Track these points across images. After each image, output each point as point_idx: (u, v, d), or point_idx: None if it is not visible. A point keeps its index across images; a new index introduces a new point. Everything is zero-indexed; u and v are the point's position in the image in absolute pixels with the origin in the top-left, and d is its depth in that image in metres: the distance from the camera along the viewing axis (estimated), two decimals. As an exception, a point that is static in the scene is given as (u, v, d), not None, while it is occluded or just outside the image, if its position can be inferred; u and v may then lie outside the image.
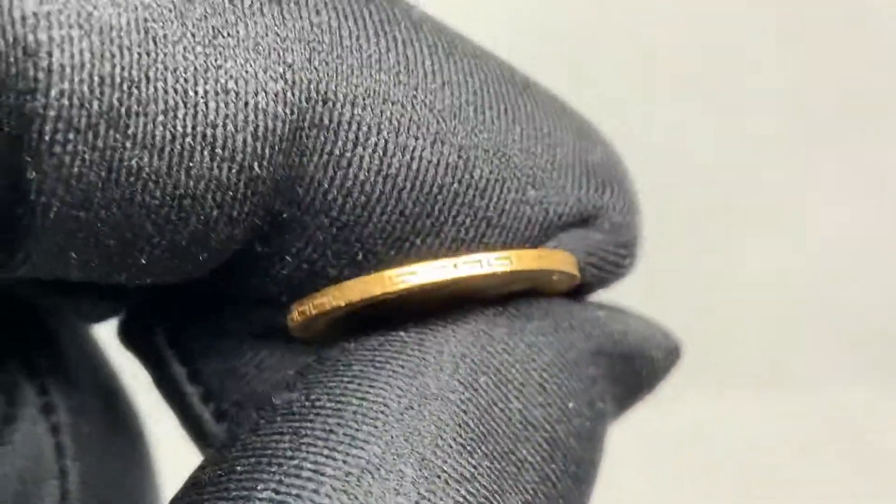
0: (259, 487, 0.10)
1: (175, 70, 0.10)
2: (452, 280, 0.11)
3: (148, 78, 0.10)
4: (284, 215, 0.11)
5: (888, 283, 0.39)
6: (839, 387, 0.38)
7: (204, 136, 0.10)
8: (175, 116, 0.10)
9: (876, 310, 0.39)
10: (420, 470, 0.10)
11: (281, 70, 0.10)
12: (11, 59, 0.09)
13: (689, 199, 0.37)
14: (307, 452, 0.10)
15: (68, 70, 0.10)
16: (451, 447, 0.11)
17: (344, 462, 0.10)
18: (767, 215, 0.38)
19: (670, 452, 0.37)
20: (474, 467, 0.11)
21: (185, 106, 0.10)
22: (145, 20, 0.10)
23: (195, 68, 0.10)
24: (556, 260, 0.12)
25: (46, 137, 0.10)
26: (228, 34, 0.10)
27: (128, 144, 0.10)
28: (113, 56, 0.10)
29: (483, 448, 0.11)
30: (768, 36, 0.37)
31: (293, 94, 0.11)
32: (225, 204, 0.11)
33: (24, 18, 0.09)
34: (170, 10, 0.10)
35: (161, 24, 0.10)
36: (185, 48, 0.10)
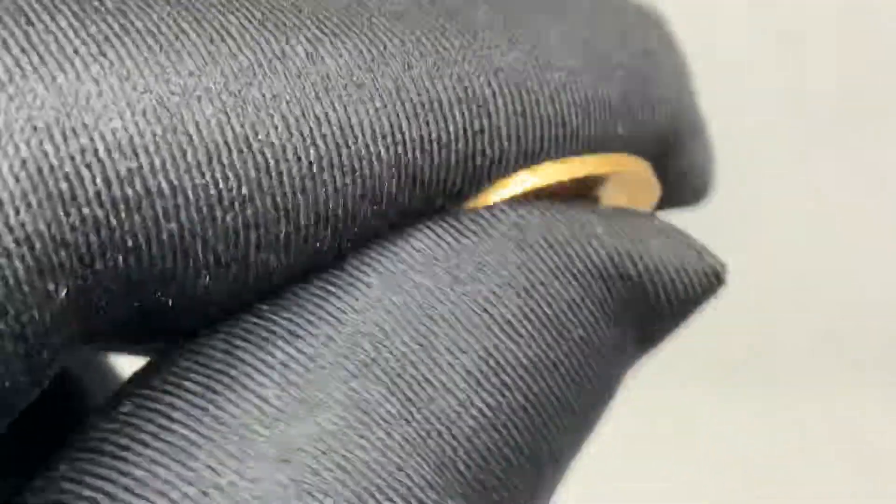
0: None
1: None
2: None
3: None
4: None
5: (888, 283, 0.39)
6: (839, 387, 0.38)
7: None
8: None
9: (876, 310, 0.39)
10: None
11: None
12: None
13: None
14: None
15: None
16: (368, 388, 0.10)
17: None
18: (767, 215, 0.38)
19: (669, 452, 0.37)
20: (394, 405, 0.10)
21: None
22: None
23: None
24: (625, 162, 0.11)
25: None
26: None
27: None
28: None
29: (399, 392, 0.10)
30: (768, 35, 0.37)
31: None
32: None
33: None
34: None
35: None
36: None
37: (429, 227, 0.11)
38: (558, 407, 0.11)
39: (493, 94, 0.11)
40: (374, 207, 0.11)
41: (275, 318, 0.10)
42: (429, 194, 0.11)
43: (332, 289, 0.10)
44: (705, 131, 0.14)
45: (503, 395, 0.11)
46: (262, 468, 0.09)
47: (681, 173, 0.14)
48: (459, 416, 0.10)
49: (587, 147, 0.12)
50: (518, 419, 0.11)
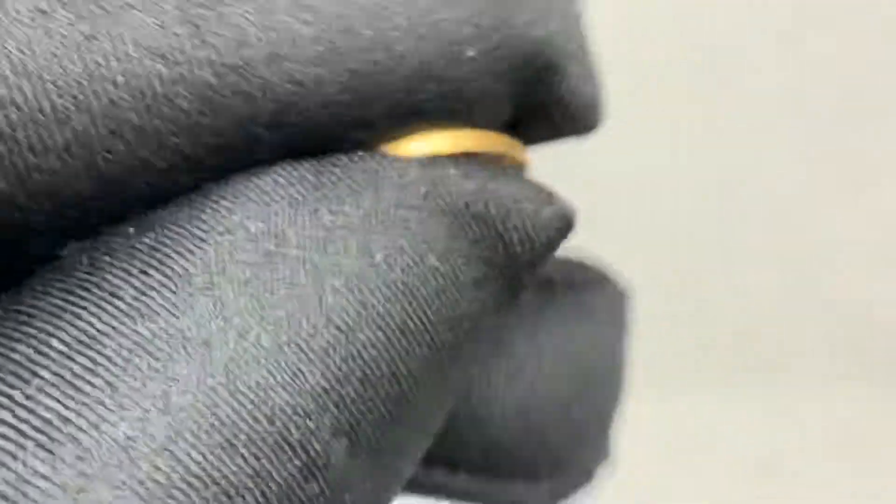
0: None
1: None
2: None
3: None
4: None
5: (889, 282, 0.39)
6: (839, 387, 0.38)
7: None
8: None
9: (876, 309, 0.39)
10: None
11: None
12: None
13: (689, 199, 0.37)
14: None
15: None
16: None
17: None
18: (767, 216, 0.38)
19: (669, 451, 0.37)
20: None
21: None
22: None
23: None
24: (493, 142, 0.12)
25: None
26: None
27: None
28: None
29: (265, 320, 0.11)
30: (768, 36, 0.37)
31: None
32: None
33: None
34: None
35: None
36: None
37: (286, 163, 0.12)
38: (422, 337, 0.12)
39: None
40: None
41: (139, 237, 0.11)
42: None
43: (196, 212, 0.11)
44: (590, 58, 0.15)
45: (364, 311, 0.11)
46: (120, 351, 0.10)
47: (560, 100, 0.14)
48: (317, 330, 0.11)
49: (428, 74, 0.12)
50: (378, 340, 0.11)
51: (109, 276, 0.10)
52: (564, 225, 0.13)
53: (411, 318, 0.12)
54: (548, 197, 0.13)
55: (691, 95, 0.36)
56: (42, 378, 0.10)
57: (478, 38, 0.13)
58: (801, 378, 0.39)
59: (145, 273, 0.10)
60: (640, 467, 0.35)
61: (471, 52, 0.13)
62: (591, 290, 0.18)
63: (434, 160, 0.13)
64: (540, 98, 0.14)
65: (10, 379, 0.10)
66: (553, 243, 0.13)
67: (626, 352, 0.18)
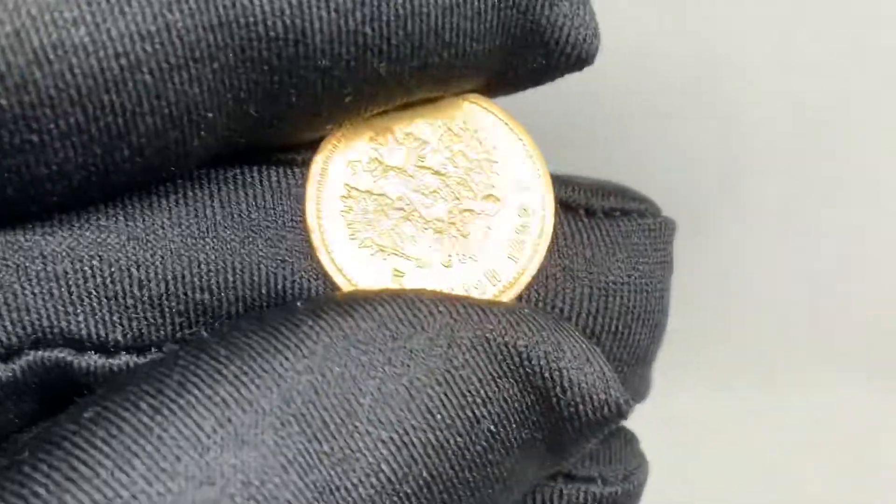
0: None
1: None
2: None
3: None
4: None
5: (889, 282, 0.39)
6: (839, 387, 0.38)
7: None
8: None
9: (876, 309, 0.39)
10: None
11: None
12: None
13: (690, 199, 0.37)
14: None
15: None
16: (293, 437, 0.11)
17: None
18: (768, 216, 0.38)
19: (668, 451, 0.37)
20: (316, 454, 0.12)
21: None
22: None
23: None
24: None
25: None
26: None
27: None
28: None
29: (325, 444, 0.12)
30: (769, 35, 0.37)
31: None
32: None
33: None
34: None
35: None
36: None
37: (374, 307, 0.13)
38: (462, 490, 0.12)
39: None
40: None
41: (226, 362, 0.12)
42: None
43: (281, 347, 0.12)
44: None
45: (409, 469, 0.12)
46: (187, 486, 0.11)
47: (554, 24, 0.15)
48: (367, 478, 0.12)
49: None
50: (420, 493, 0.12)
51: (195, 402, 0.12)
52: (615, 414, 0.14)
53: (457, 477, 0.12)
54: (606, 381, 0.14)
55: (692, 98, 0.36)
56: None
57: None
58: (801, 378, 0.39)
59: (227, 406, 0.12)
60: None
61: None
62: (631, 220, 0.18)
63: (512, 316, 0.14)
64: (534, 21, 0.15)
65: None
66: (601, 428, 0.14)
67: (666, 287, 0.18)
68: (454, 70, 0.15)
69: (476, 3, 0.14)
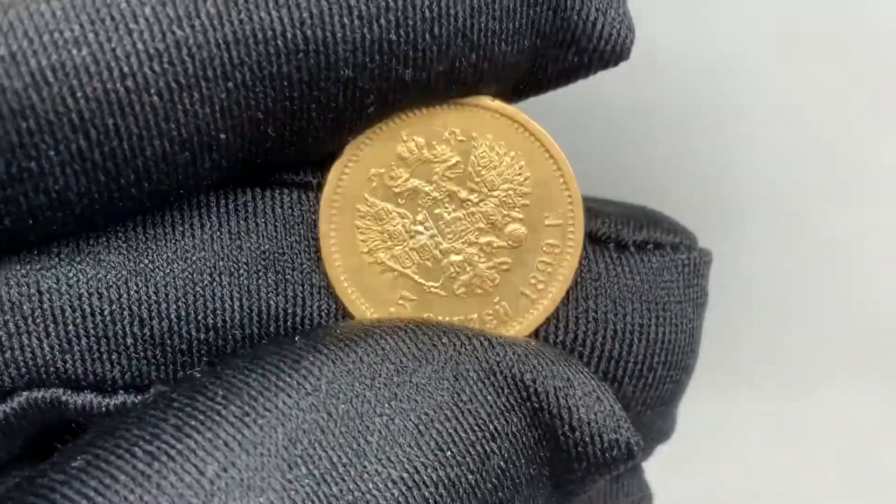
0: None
1: None
2: None
3: None
4: None
5: (889, 282, 0.39)
6: (839, 387, 0.38)
7: None
8: None
9: (877, 309, 0.39)
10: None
11: None
12: None
13: (690, 200, 0.37)
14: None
15: None
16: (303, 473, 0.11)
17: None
18: (768, 217, 0.38)
19: (669, 452, 0.37)
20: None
21: None
22: None
23: None
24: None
25: None
26: None
27: None
28: None
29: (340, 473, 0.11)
30: (768, 35, 0.37)
31: None
32: None
33: None
34: None
35: None
36: None
37: (375, 340, 0.12)
38: None
39: None
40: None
41: (224, 402, 0.11)
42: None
43: (282, 384, 0.11)
44: None
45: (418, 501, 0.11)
46: None
47: (587, 20, 0.14)
48: None
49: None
50: None
51: (195, 446, 0.11)
52: (628, 454, 0.13)
53: None
54: (617, 421, 0.13)
55: (693, 100, 0.36)
56: None
57: None
58: (802, 378, 0.39)
59: (230, 449, 0.11)
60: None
61: None
62: (664, 255, 0.17)
63: (520, 348, 0.13)
64: (565, 18, 0.14)
65: None
66: (612, 469, 0.13)
67: (697, 325, 0.17)
68: (482, 73, 0.14)
69: (505, 2, 0.13)
